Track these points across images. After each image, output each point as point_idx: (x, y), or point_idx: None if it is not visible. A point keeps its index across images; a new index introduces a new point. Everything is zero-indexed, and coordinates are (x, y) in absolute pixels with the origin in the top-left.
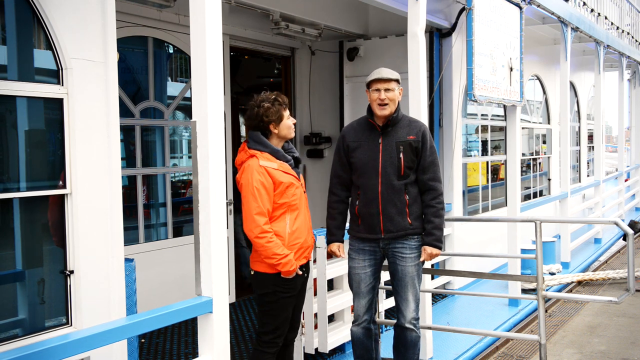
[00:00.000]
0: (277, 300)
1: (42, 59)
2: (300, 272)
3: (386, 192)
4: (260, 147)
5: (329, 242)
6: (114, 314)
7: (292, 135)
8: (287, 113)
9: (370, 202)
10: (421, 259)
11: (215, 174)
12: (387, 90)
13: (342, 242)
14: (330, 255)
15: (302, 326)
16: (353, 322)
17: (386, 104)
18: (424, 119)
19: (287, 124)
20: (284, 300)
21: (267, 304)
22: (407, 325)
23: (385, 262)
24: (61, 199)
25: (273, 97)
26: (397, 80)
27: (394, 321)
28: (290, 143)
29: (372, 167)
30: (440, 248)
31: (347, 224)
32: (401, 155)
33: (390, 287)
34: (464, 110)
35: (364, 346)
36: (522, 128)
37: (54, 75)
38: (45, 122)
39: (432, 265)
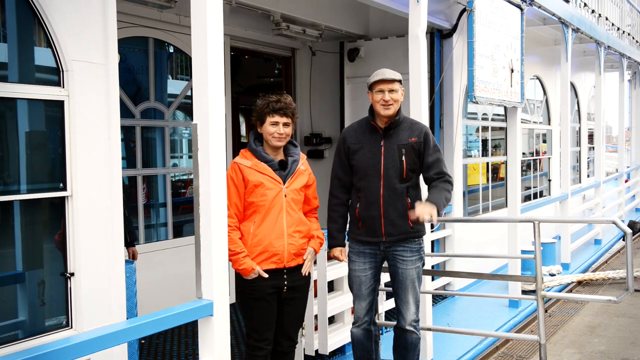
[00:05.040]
0: (244, 300)
1: (42, 61)
2: (266, 276)
3: (388, 195)
4: (248, 145)
5: (331, 247)
6: (115, 316)
7: (274, 143)
8: (273, 119)
9: (371, 205)
10: (412, 215)
11: (216, 177)
12: (391, 91)
13: (344, 245)
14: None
15: (302, 328)
16: (353, 324)
17: (390, 105)
18: (425, 120)
19: (267, 130)
20: (250, 302)
21: (239, 303)
22: (408, 327)
23: (385, 264)
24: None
25: (273, 98)
26: (399, 81)
27: (395, 323)
28: (294, 147)
29: (373, 169)
30: (437, 208)
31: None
32: (403, 157)
33: (390, 289)
34: (464, 110)
35: (364, 347)
36: (522, 128)
37: (55, 78)
38: (46, 125)
39: (432, 267)
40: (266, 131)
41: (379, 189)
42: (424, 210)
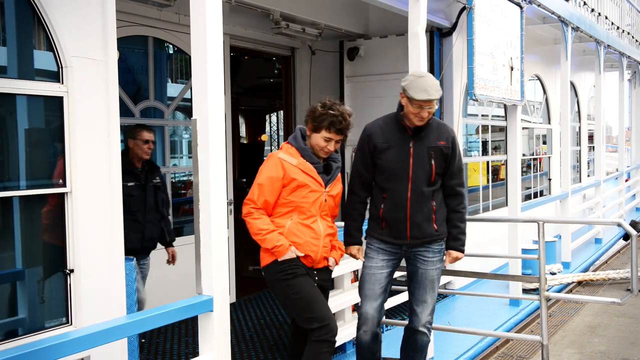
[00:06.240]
0: (288, 285)
1: (42, 57)
2: (302, 254)
3: (415, 198)
4: (292, 140)
5: (347, 244)
6: (114, 313)
7: (320, 154)
8: (329, 135)
9: (397, 208)
10: (446, 263)
11: (216, 173)
12: (429, 107)
13: (361, 244)
14: None
15: None
16: (360, 326)
17: (426, 119)
18: None
19: (317, 141)
20: (294, 281)
21: (282, 294)
22: (421, 328)
23: (402, 263)
24: (58, 197)
25: (336, 113)
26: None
27: (396, 321)
28: (336, 152)
29: (402, 171)
30: (463, 252)
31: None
32: (432, 161)
33: (396, 286)
34: (464, 110)
35: (371, 351)
36: (523, 128)
37: (54, 74)
38: (45, 121)
39: None
40: (316, 142)
41: (407, 192)
42: (457, 257)
